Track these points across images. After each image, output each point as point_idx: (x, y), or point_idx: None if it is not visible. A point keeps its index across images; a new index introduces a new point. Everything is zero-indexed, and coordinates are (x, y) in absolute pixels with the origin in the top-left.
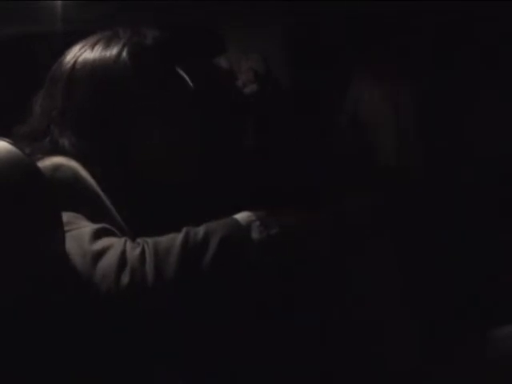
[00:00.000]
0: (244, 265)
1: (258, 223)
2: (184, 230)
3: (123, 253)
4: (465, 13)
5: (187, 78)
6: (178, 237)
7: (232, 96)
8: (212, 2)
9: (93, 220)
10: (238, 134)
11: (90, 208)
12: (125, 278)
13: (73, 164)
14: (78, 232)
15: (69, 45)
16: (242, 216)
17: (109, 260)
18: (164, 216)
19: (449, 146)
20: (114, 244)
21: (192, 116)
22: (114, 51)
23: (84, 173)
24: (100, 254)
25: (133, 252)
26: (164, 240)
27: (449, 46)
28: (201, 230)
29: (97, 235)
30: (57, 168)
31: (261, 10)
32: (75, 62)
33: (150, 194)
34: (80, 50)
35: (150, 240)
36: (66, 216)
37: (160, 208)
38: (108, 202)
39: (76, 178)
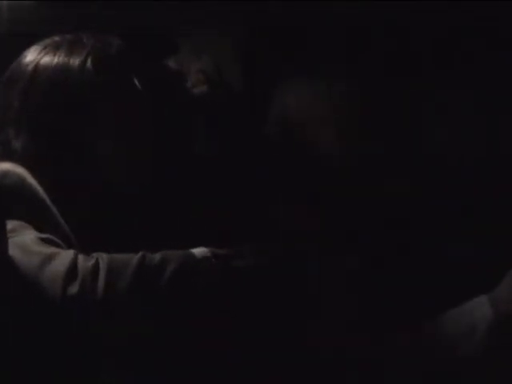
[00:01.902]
0: (195, 296)
1: (213, 261)
2: (140, 252)
3: (74, 262)
4: (401, 12)
5: (143, 84)
6: (134, 257)
7: (180, 96)
8: (162, 5)
9: (39, 229)
10: (188, 137)
11: (36, 216)
12: (73, 288)
13: (20, 171)
14: (22, 238)
15: (17, 46)
16: (198, 251)
17: (57, 266)
18: (113, 229)
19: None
20: (62, 252)
21: (146, 120)
22: (77, 58)
23: (31, 180)
24: (48, 259)
25: (85, 263)
26: (119, 257)
27: (387, 46)
28: (157, 256)
29: (42, 242)
30: (4, 175)
31: (214, 14)
32: (37, 64)
33: (101, 204)
34: (41, 52)
35: (104, 255)
36: (10, 224)
37: (109, 220)
38: (55, 211)
39: (23, 185)
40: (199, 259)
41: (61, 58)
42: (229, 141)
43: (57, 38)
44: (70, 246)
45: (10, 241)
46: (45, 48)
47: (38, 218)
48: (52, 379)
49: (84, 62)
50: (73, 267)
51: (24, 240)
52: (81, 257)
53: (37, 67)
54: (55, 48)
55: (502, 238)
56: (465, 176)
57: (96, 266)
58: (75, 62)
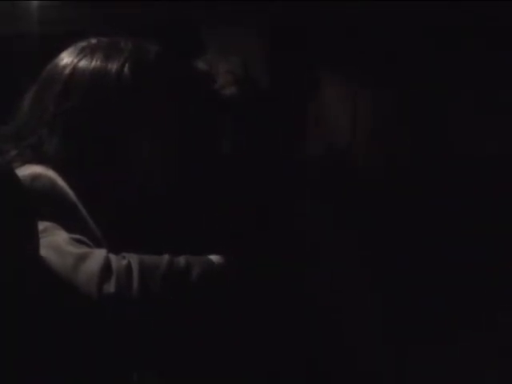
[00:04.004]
0: (215, 296)
1: (227, 270)
2: (167, 255)
3: (107, 261)
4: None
5: (176, 85)
6: (163, 258)
7: (209, 97)
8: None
9: (69, 231)
10: (215, 136)
11: (66, 218)
12: (109, 286)
13: (51, 174)
14: (54, 239)
15: (47, 46)
16: (214, 258)
17: (91, 266)
18: (140, 229)
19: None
20: (94, 252)
21: (179, 121)
22: (115, 64)
23: (62, 183)
24: (81, 259)
25: (118, 262)
26: (148, 259)
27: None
28: (182, 260)
29: (74, 242)
30: (34, 177)
31: (240, 9)
32: (74, 67)
33: (131, 206)
34: (78, 55)
35: (134, 255)
36: (42, 224)
37: (138, 221)
38: (85, 214)
39: (53, 188)
40: (216, 265)
41: (98, 63)
42: (255, 138)
43: (93, 41)
44: (98, 247)
45: (42, 241)
46: (81, 51)
47: (67, 221)
48: (88, 378)
49: (122, 68)
50: (107, 266)
51: (56, 240)
52: (113, 256)
53: (74, 71)
54: (92, 51)
55: (502, 238)
56: (466, 176)
57: (129, 265)
58: (113, 67)
